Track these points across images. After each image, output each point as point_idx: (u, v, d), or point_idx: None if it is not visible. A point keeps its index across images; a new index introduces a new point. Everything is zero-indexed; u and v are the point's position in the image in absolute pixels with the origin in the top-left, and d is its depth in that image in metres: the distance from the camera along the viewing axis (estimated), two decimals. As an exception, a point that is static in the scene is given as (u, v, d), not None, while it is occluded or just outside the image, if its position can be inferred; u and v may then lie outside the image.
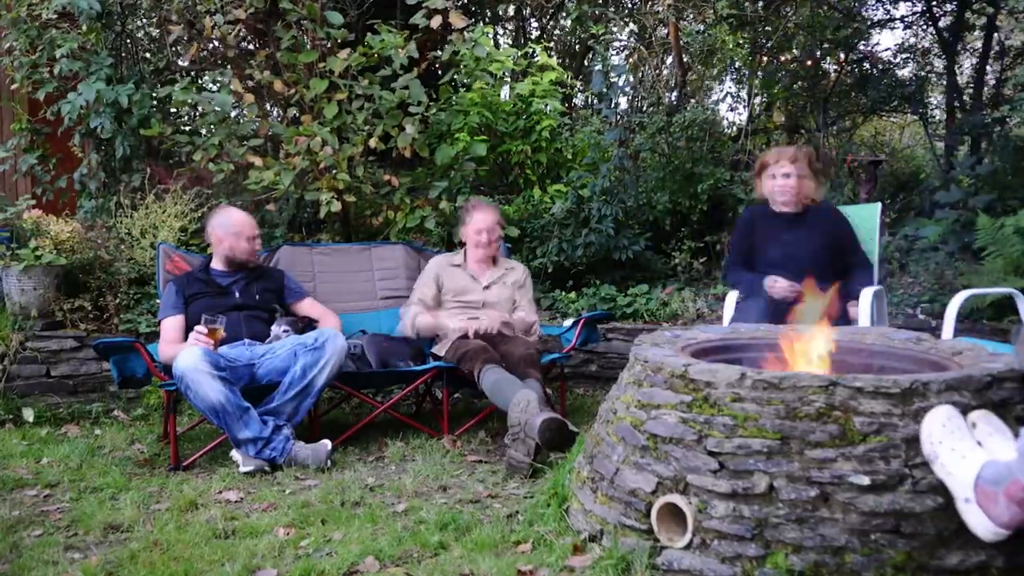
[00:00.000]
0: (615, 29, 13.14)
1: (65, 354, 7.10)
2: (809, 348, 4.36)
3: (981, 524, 3.09)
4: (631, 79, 11.12)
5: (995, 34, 12.71)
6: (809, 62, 12.80)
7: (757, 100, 13.02)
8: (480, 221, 6.65)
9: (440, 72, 8.97)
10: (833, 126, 13.64)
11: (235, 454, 5.44)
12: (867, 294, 5.82)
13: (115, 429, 6.47)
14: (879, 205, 6.58)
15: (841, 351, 4.44)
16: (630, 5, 12.91)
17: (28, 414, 6.67)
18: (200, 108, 8.42)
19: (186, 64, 9.28)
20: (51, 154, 8.55)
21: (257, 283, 6.31)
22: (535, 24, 16.47)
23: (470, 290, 6.65)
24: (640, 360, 4.07)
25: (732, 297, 6.28)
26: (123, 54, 8.86)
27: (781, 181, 6.13)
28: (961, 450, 3.17)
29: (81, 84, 7.81)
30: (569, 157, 10.00)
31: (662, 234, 9.20)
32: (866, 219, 6.41)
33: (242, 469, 5.33)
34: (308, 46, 7.72)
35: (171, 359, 5.51)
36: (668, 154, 9.37)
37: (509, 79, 10.13)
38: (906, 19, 13.68)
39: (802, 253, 6.02)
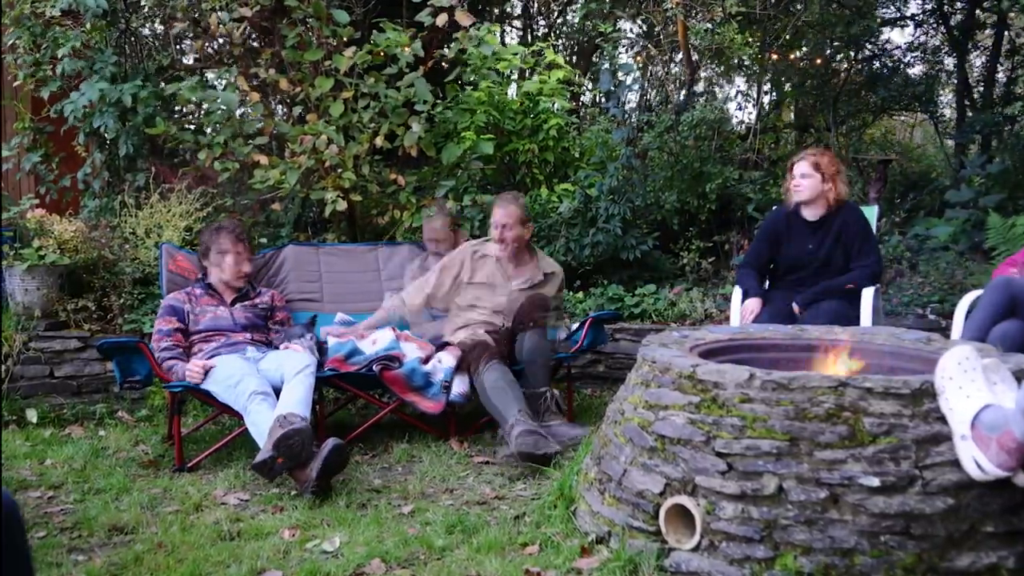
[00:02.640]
0: (623, 27, 13.09)
1: (69, 354, 7.06)
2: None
3: (972, 462, 3.16)
4: (639, 77, 11.09)
5: (1006, 32, 12.68)
6: (819, 60, 12.77)
7: (766, 99, 12.99)
8: (496, 216, 6.58)
9: (446, 70, 8.92)
10: (843, 125, 13.61)
11: None
12: (868, 294, 5.86)
13: (119, 430, 6.44)
14: (876, 208, 6.69)
15: (852, 352, 4.42)
16: (638, 3, 12.87)
17: (32, 415, 6.63)
18: (205, 106, 8.38)
19: (191, 62, 9.25)
20: (54, 153, 8.50)
21: None
22: (542, 22, 16.44)
23: (496, 288, 6.54)
24: (648, 361, 4.06)
25: (737, 295, 6.31)
26: (127, 52, 8.83)
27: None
28: (968, 389, 3.26)
29: (84, 84, 7.78)
30: (576, 156, 9.95)
31: (670, 234, 9.16)
32: None
33: None
34: (314, 44, 7.69)
35: None
36: (676, 153, 9.33)
37: (516, 77, 10.09)
38: (916, 17, 13.65)
39: (820, 257, 6.20)
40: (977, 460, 3.11)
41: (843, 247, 6.17)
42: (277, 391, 5.37)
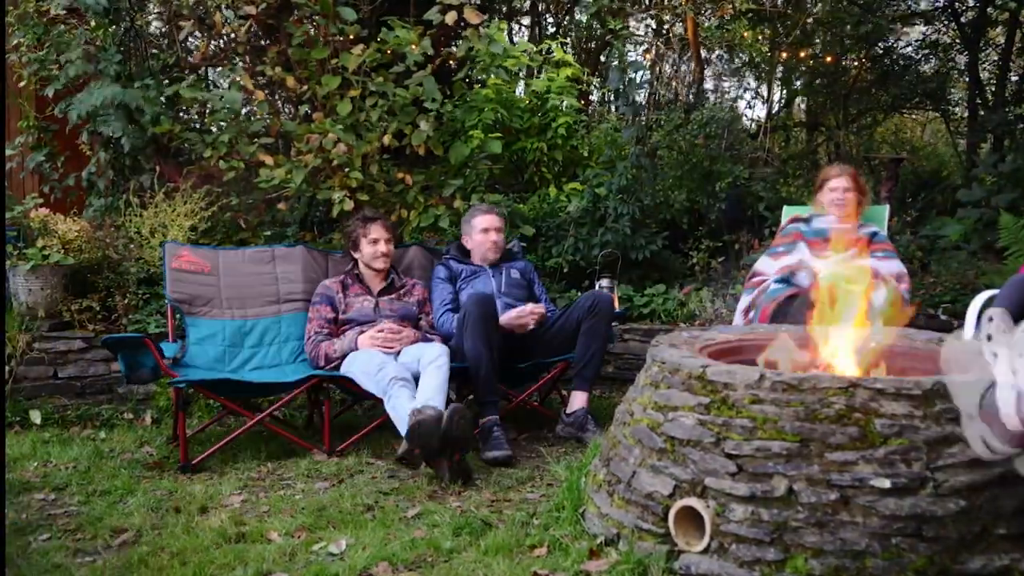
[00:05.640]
0: (633, 24, 13.09)
1: (73, 355, 7.04)
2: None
3: (979, 441, 3.11)
4: (648, 75, 11.06)
5: (1018, 30, 12.62)
6: (829, 58, 12.75)
7: (776, 97, 12.96)
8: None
9: (454, 68, 8.89)
10: (853, 123, 13.59)
11: None
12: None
13: (123, 431, 6.43)
14: (887, 207, 6.87)
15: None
16: (648, 0, 12.86)
17: (35, 416, 6.61)
18: (210, 105, 8.36)
19: (196, 60, 9.23)
20: (59, 152, 8.51)
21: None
22: (551, 20, 16.42)
23: None
24: (657, 361, 4.03)
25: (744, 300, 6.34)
26: (132, 50, 8.81)
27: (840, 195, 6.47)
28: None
29: (88, 87, 7.76)
30: (585, 155, 9.93)
31: (679, 233, 9.12)
32: (874, 220, 6.67)
33: None
34: (320, 42, 7.66)
35: None
36: (686, 152, 9.30)
37: (524, 75, 10.06)
38: (928, 14, 13.61)
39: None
40: (988, 437, 3.07)
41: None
42: (417, 379, 5.55)
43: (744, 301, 6.31)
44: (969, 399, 3.16)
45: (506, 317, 6.25)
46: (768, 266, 6.37)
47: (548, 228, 8.63)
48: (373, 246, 6.33)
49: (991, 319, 3.35)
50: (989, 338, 3.32)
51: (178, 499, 4.84)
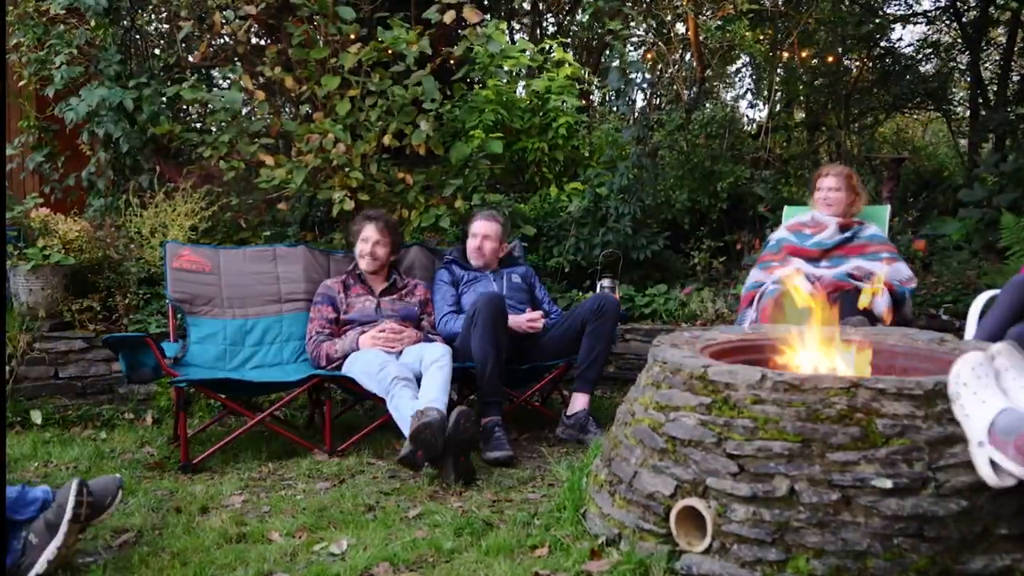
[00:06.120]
0: (633, 25, 13.06)
1: (74, 355, 7.03)
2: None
3: (988, 468, 3.13)
4: (648, 76, 11.05)
5: (1020, 29, 12.61)
6: (830, 58, 12.74)
7: (777, 97, 12.94)
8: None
9: (454, 68, 8.88)
10: (855, 123, 13.58)
11: None
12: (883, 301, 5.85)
13: (124, 431, 6.43)
14: (888, 207, 6.87)
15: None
16: (648, 0, 12.84)
17: (36, 416, 6.60)
18: (210, 105, 8.35)
19: (196, 61, 9.22)
20: (59, 152, 8.50)
21: None
22: (551, 20, 16.40)
23: None
24: (659, 361, 4.02)
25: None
26: (132, 50, 8.81)
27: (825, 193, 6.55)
28: (983, 395, 3.23)
29: (83, 89, 7.76)
30: (586, 155, 9.92)
31: (681, 233, 9.13)
32: (875, 220, 6.65)
33: None
34: (320, 42, 7.65)
35: None
36: (687, 152, 9.30)
37: (524, 75, 10.05)
38: (929, 14, 13.60)
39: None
40: (996, 462, 3.07)
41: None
42: (418, 379, 5.53)
43: (747, 317, 6.27)
44: (978, 425, 3.16)
45: (511, 321, 6.24)
46: (764, 278, 6.35)
47: (549, 228, 8.62)
48: (362, 244, 6.36)
49: (996, 355, 3.37)
50: (997, 375, 3.33)
51: (179, 499, 4.83)
